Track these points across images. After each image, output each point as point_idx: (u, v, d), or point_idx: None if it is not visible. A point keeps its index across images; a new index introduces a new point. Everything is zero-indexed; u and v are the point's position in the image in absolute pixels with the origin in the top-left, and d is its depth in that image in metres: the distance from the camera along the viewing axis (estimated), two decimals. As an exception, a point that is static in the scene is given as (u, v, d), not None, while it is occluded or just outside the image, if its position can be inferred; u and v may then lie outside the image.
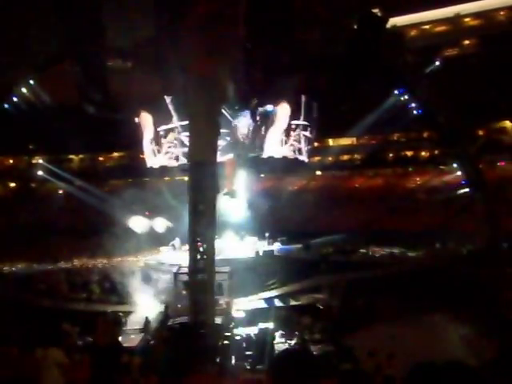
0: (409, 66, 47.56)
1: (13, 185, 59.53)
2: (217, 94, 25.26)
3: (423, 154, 54.37)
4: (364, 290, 29.66)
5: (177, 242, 37.39)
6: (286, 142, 37.39)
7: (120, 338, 20.89)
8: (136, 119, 38.35)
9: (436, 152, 52.64)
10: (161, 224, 43.59)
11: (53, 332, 22.60)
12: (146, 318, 25.63)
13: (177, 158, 37.06)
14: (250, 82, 35.12)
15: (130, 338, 23.91)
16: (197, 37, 24.01)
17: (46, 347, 11.52)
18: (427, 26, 52.38)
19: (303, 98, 37.10)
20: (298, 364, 3.73)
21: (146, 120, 38.02)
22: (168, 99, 35.09)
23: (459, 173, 45.40)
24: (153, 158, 38.71)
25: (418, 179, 52.21)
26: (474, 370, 3.32)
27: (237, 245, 38.69)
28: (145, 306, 28.43)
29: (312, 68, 35.57)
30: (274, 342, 23.83)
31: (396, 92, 45.53)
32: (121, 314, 27.43)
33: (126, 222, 43.92)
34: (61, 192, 53.33)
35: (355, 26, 42.32)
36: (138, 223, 43.79)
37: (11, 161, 60.44)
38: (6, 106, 47.34)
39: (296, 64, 34.74)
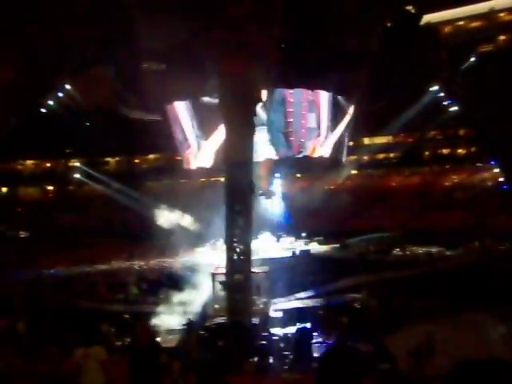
0: (444, 63, 47.15)
1: (50, 188, 60.08)
2: (251, 94, 25.28)
3: (460, 151, 53.85)
4: (402, 289, 29.49)
5: (218, 241, 37.40)
6: (322, 142, 37.32)
7: (159, 339, 20.97)
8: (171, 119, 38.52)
9: (473, 149, 52.16)
10: (188, 221, 43.82)
11: (91, 333, 22.83)
12: (188, 319, 25.71)
13: (214, 159, 37.16)
14: (285, 82, 35.07)
15: (169, 339, 24.00)
16: (231, 37, 24.03)
17: (87, 346, 11.62)
18: (462, 22, 51.89)
19: (338, 97, 37.04)
20: (342, 363, 3.70)
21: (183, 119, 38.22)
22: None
23: (497, 170, 45.05)
24: (189, 159, 38.85)
25: (454, 177, 51.76)
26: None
27: (273, 245, 38.71)
28: (183, 307, 28.51)
29: (347, 66, 35.37)
30: (312, 341, 23.77)
31: (431, 89, 45.25)
32: (158, 314, 27.53)
33: (154, 219, 44.25)
34: (98, 194, 53.67)
35: (389, 24, 42.05)
36: (166, 219, 44.06)
37: (49, 164, 60.98)
38: (42, 110, 47.82)
39: (331, 63, 34.54)
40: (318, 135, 37.27)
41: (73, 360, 10.81)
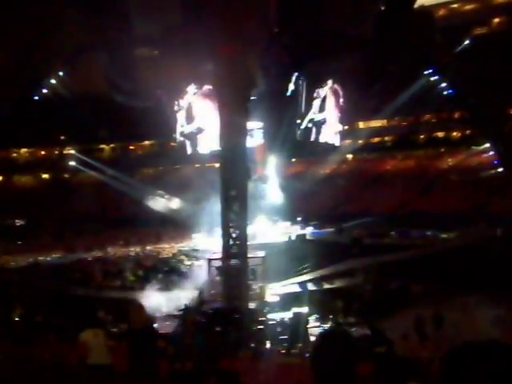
0: (438, 46, 47.07)
1: (45, 176, 59.99)
2: (245, 80, 25.24)
3: (455, 134, 53.79)
4: (397, 272, 29.58)
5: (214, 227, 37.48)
6: (316, 126, 37.35)
7: (156, 325, 21.02)
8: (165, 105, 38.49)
9: (468, 132, 52.11)
10: (183, 207, 43.93)
11: (88, 320, 22.87)
12: (185, 304, 25.76)
13: (208, 145, 37.16)
14: (278, 67, 35.06)
15: (166, 324, 24.04)
16: (224, 22, 23.97)
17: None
18: (456, 5, 51.71)
19: (331, 81, 37.04)
20: (339, 347, 3.70)
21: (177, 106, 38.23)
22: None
23: (492, 153, 45.06)
24: (184, 145, 38.87)
25: (449, 160, 51.72)
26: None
27: (269, 230, 38.75)
28: (179, 293, 28.55)
29: (340, 50, 35.35)
30: (308, 326, 23.85)
31: (426, 73, 45.21)
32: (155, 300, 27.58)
33: (150, 205, 44.34)
34: (93, 182, 53.62)
35: (383, 7, 41.97)
36: (161, 206, 44.20)
37: (43, 152, 60.86)
38: (36, 97, 47.70)
39: (324, 47, 34.54)
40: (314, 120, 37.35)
41: (80, 342, 10.83)
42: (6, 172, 58.91)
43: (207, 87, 34.32)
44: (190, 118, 38.06)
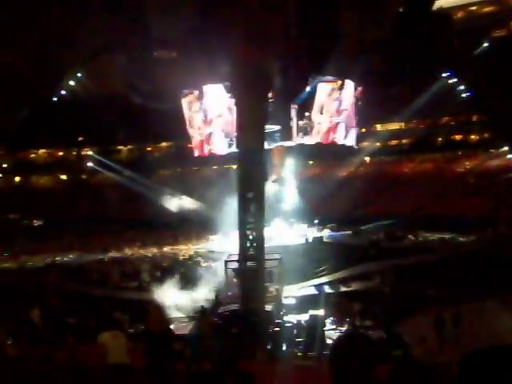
0: (456, 48, 46.95)
1: (63, 177, 60.27)
2: (263, 81, 25.22)
3: (473, 137, 53.63)
4: (414, 276, 29.44)
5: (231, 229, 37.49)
6: (334, 128, 37.26)
7: (172, 326, 21.05)
8: (184, 105, 38.48)
9: (486, 135, 51.93)
10: (201, 208, 44.01)
11: (105, 320, 22.94)
12: (202, 306, 25.78)
13: (225, 147, 37.13)
14: (297, 69, 35.05)
15: (182, 326, 24.07)
16: (243, 24, 23.98)
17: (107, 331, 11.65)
18: (474, 8, 51.54)
19: (349, 83, 36.94)
20: (357, 350, 3.70)
21: (193, 107, 38.20)
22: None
23: (510, 156, 44.84)
24: (201, 147, 38.87)
25: (467, 163, 51.52)
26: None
27: (286, 232, 38.72)
28: (195, 294, 28.56)
29: (359, 53, 35.31)
30: (325, 328, 23.79)
31: (444, 75, 45.08)
32: (172, 301, 27.59)
33: (167, 207, 44.45)
34: (110, 183, 53.79)
35: (401, 10, 41.93)
36: (178, 207, 44.29)
37: (61, 153, 61.16)
38: (54, 99, 47.95)
39: (342, 49, 34.51)
40: (332, 122, 37.24)
41: (99, 343, 10.83)
42: (24, 172, 59.26)
43: (225, 88, 34.31)
44: (207, 120, 38.06)
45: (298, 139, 37.50)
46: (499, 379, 2.84)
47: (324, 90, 36.73)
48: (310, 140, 37.59)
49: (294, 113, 36.78)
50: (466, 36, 46.69)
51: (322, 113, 36.93)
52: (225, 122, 36.86)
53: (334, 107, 36.91)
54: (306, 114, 37.32)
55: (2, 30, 38.82)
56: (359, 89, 37.19)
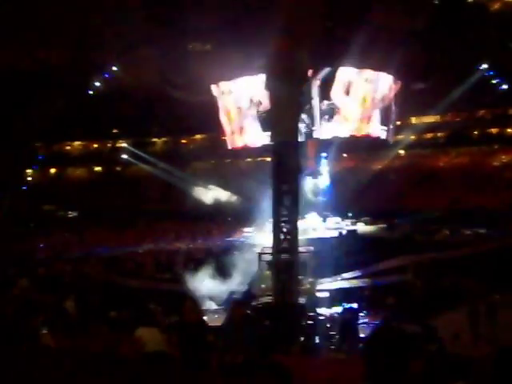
0: (493, 41, 46.46)
1: (98, 169, 60.78)
2: (298, 74, 25.19)
3: (509, 131, 53.13)
4: (449, 270, 29.28)
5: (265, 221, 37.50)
6: (369, 120, 37.00)
7: (205, 318, 21.13)
8: (217, 97, 38.50)
9: (523, 129, 51.53)
10: (235, 201, 44.06)
11: (139, 311, 23.05)
12: (235, 298, 25.85)
13: (259, 139, 37.07)
14: (332, 61, 34.83)
15: (215, 318, 24.15)
16: (277, 15, 23.95)
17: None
18: (510, -1, 51.09)
19: (385, 76, 36.71)
20: (392, 343, 3.69)
21: (227, 100, 38.21)
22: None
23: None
24: (235, 140, 38.89)
25: (504, 157, 51.08)
26: None
27: (320, 225, 38.68)
28: (229, 286, 28.65)
29: (393, 45, 35.04)
30: (359, 322, 23.77)
31: (480, 68, 44.67)
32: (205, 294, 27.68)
33: (201, 199, 44.58)
34: (145, 175, 54.14)
35: (437, 1, 41.57)
36: (212, 199, 44.40)
37: (96, 145, 61.67)
38: (90, 91, 48.30)
39: (378, 41, 34.25)
40: (367, 116, 36.97)
41: (135, 337, 10.87)
42: (59, 165, 59.89)
43: (260, 81, 34.25)
44: (240, 112, 38.01)
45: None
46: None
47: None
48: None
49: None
50: (502, 28, 46.17)
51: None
52: (257, 114, 36.79)
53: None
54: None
55: (41, 25, 39.18)
56: (398, 83, 36.89)
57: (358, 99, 36.01)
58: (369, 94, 36.22)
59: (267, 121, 33.55)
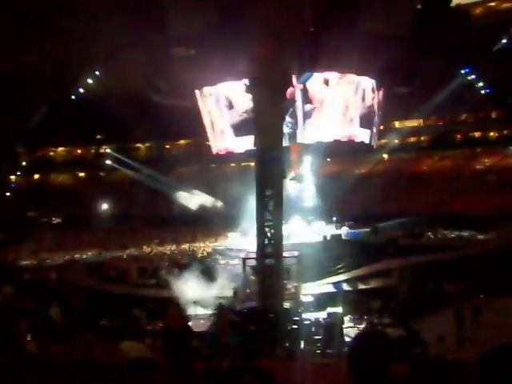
0: (475, 45, 46.69)
1: (82, 174, 60.61)
2: (282, 78, 25.23)
3: (492, 134, 53.40)
4: (433, 273, 29.37)
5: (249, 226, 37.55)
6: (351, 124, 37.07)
7: (190, 323, 21.09)
8: (200, 102, 38.53)
9: (505, 132, 51.71)
10: (219, 206, 44.09)
11: (123, 317, 23.04)
12: (220, 303, 25.80)
13: (243, 144, 37.05)
14: (315, 66, 34.89)
15: (200, 324, 24.11)
16: (260, 21, 23.98)
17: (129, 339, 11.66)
18: (492, 4, 51.21)
19: (367, 80, 36.80)
20: (375, 347, 3.71)
21: (210, 105, 38.22)
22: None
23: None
24: (218, 145, 38.88)
25: (486, 160, 51.32)
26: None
27: (304, 229, 38.71)
28: (213, 292, 28.62)
29: (376, 49, 35.13)
30: (343, 326, 23.78)
31: (462, 72, 44.88)
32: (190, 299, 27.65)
33: (185, 204, 44.56)
34: (129, 180, 54.04)
35: (419, 6, 41.73)
36: (196, 205, 44.41)
37: (79, 151, 61.51)
38: (73, 97, 48.14)
39: (361, 46, 34.34)
40: (350, 119, 37.04)
41: (120, 350, 10.83)
42: (43, 170, 59.67)
43: (243, 86, 34.25)
44: (225, 117, 38.01)
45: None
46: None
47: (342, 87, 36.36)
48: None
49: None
50: (485, 32, 46.42)
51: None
52: (239, 119, 36.78)
53: (351, 104, 36.59)
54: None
55: (22, 30, 39.04)
56: (375, 86, 36.99)
57: (339, 98, 36.11)
58: (350, 96, 36.34)
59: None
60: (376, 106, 37.38)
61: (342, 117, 36.32)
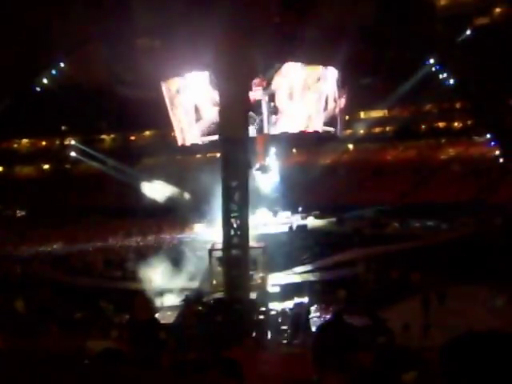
0: (439, 36, 47.01)
1: (46, 166, 60.07)
2: (247, 70, 25.22)
3: (456, 125, 53.81)
4: (398, 263, 29.59)
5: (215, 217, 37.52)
6: (317, 115, 37.21)
7: (157, 315, 21.08)
8: (165, 93, 38.46)
9: (469, 123, 52.15)
10: (185, 197, 44.08)
11: (90, 309, 22.94)
12: (186, 295, 25.79)
13: (208, 135, 37.03)
14: (279, 57, 34.96)
15: (167, 315, 24.10)
16: (226, 12, 23.94)
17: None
18: (458, -5, 51.70)
19: (333, 70, 36.93)
20: (338, 337, 3.73)
21: (176, 96, 38.15)
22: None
23: (492, 143, 45.05)
24: (184, 136, 38.83)
25: (451, 150, 51.73)
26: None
27: (270, 220, 38.80)
28: (180, 283, 28.57)
29: (341, 40, 35.26)
30: (310, 316, 23.89)
31: (427, 62, 45.19)
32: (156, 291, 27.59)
33: (151, 196, 44.44)
34: (94, 172, 53.69)
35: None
36: (162, 196, 44.32)
37: (44, 143, 60.93)
38: (37, 88, 47.72)
39: (325, 37, 34.46)
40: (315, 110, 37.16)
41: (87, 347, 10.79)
42: (7, 163, 59.01)
43: (209, 77, 34.21)
44: (191, 108, 37.95)
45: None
46: (482, 364, 2.88)
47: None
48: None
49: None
50: (449, 23, 46.73)
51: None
52: (204, 110, 36.83)
53: (317, 94, 36.74)
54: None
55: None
56: (340, 76, 37.19)
57: (303, 100, 36.35)
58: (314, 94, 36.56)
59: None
60: (342, 97, 37.59)
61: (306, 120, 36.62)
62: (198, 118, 37.36)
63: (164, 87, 38.43)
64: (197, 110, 37.30)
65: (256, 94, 34.83)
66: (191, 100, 37.34)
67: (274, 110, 36.19)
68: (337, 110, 38.00)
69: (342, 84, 37.87)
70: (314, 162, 48.96)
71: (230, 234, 24.35)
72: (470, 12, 48.95)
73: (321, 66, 36.35)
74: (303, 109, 36.66)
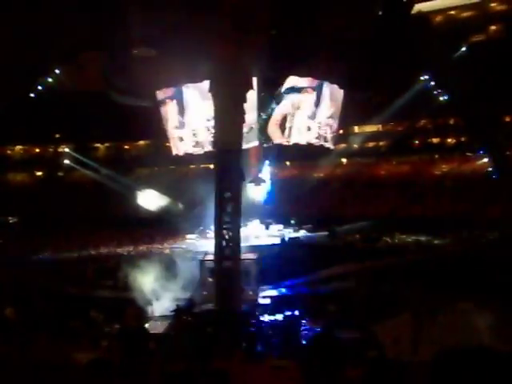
0: (434, 52, 47.15)
1: (40, 174, 59.97)
2: (242, 81, 25.24)
3: (450, 140, 53.92)
4: (390, 277, 29.58)
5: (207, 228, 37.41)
6: (310, 129, 37.30)
7: (147, 325, 21.03)
8: (160, 103, 38.53)
9: (463, 139, 52.25)
10: (177, 208, 44.02)
11: (80, 319, 22.83)
12: (177, 305, 25.75)
13: (202, 146, 37.10)
14: (275, 69, 35.05)
15: (157, 325, 24.03)
16: (222, 22, 23.99)
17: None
18: (453, 12, 51.74)
19: (327, 85, 37.03)
20: (327, 352, 3.73)
21: (170, 106, 38.21)
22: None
23: (486, 160, 45.16)
24: (178, 146, 38.87)
25: (444, 166, 51.83)
26: (502, 356, 3.27)
27: (263, 232, 38.79)
28: (171, 294, 28.50)
29: (337, 54, 35.38)
30: (300, 329, 23.85)
31: (422, 78, 45.32)
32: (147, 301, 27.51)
33: (144, 205, 44.39)
34: (87, 180, 53.61)
35: (380, 12, 42.04)
36: (155, 206, 44.28)
37: (37, 150, 60.84)
38: (31, 95, 47.66)
39: (321, 50, 34.56)
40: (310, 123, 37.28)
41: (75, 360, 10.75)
42: (0, 169, 58.87)
43: (204, 88, 34.30)
44: (186, 119, 38.00)
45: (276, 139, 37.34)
46: (469, 379, 2.88)
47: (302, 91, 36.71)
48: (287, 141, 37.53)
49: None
50: (445, 40, 46.87)
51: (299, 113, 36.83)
52: (198, 121, 36.91)
53: (311, 108, 36.89)
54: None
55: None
56: (335, 91, 37.31)
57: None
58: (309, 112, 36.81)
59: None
60: (336, 111, 37.73)
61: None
62: (187, 129, 37.49)
63: (159, 97, 38.47)
64: (194, 120, 37.40)
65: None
66: (183, 110, 37.43)
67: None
68: (331, 124, 38.10)
69: (337, 98, 37.98)
70: (307, 175, 49.00)
71: (221, 245, 24.33)
72: (466, 29, 49.13)
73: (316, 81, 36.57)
74: (296, 122, 36.84)
